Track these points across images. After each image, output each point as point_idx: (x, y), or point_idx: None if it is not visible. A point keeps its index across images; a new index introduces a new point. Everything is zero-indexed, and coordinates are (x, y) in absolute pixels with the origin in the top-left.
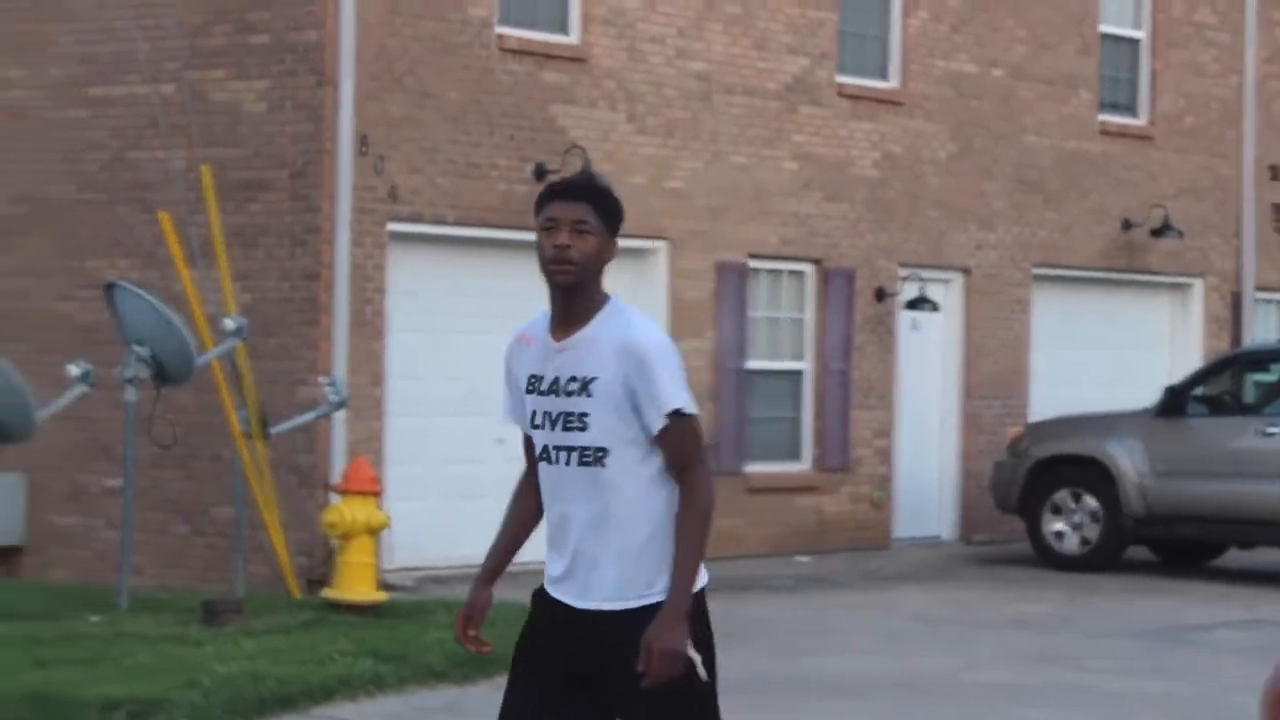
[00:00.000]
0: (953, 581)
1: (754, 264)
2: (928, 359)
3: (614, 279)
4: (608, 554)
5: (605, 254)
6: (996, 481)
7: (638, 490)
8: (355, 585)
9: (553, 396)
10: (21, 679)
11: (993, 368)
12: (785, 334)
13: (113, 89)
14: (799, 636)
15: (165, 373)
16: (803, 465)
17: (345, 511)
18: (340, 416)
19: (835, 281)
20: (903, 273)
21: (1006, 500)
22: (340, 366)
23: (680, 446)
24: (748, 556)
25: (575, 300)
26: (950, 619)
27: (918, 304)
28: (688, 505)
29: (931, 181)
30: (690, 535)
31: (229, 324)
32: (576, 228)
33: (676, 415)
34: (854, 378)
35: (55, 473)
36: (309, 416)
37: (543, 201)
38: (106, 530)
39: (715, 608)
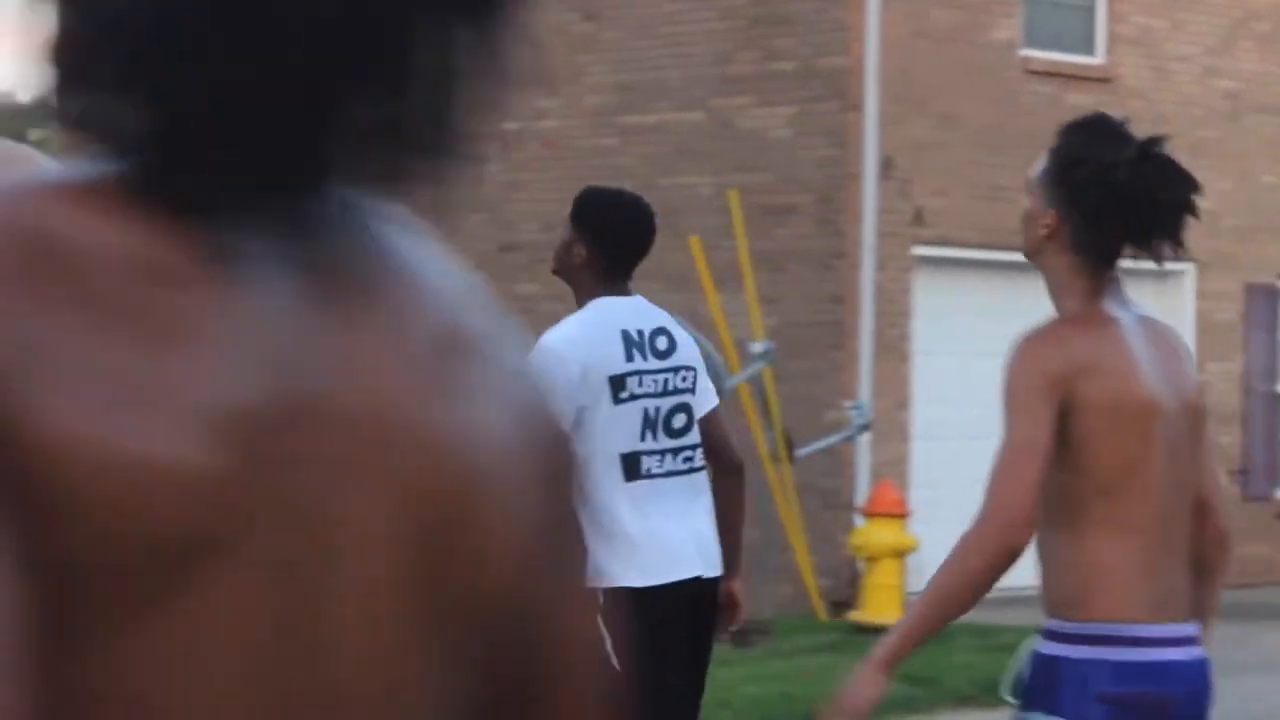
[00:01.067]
0: None
1: None
2: None
3: (1138, 299)
4: None
5: (572, 251)
6: None
7: None
8: (882, 608)
9: None
10: None
11: None
12: None
13: (644, 117)
14: None
15: None
16: None
17: (871, 534)
18: (865, 439)
19: None
20: None
21: None
22: (865, 390)
23: None
24: None
25: (576, 298)
26: None
27: None
28: None
29: None
30: None
31: (756, 348)
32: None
33: None
34: None
35: None
36: (834, 439)
37: None
38: None
39: (1236, 634)
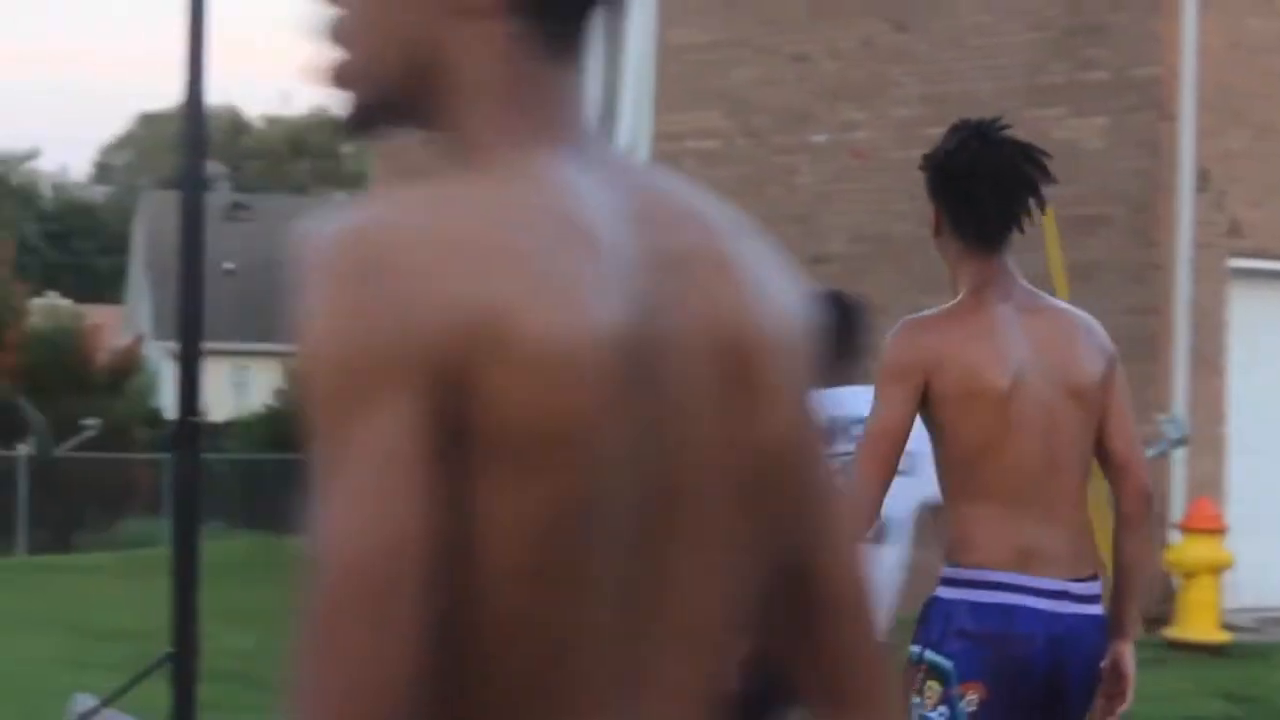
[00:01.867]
0: None
1: None
2: None
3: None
4: None
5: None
6: None
7: None
8: (1197, 624)
9: None
10: None
11: None
12: None
13: None
14: None
15: None
16: None
17: (1188, 550)
18: (1180, 454)
19: None
20: None
21: None
22: (1179, 403)
23: None
24: None
25: None
26: None
27: None
28: None
29: None
30: None
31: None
32: None
33: None
34: None
35: None
36: (1149, 453)
37: None
38: None
39: None
